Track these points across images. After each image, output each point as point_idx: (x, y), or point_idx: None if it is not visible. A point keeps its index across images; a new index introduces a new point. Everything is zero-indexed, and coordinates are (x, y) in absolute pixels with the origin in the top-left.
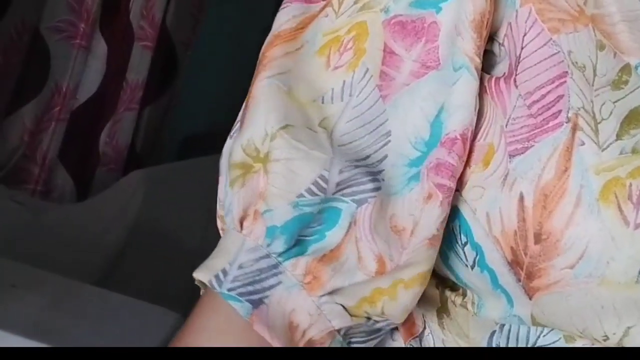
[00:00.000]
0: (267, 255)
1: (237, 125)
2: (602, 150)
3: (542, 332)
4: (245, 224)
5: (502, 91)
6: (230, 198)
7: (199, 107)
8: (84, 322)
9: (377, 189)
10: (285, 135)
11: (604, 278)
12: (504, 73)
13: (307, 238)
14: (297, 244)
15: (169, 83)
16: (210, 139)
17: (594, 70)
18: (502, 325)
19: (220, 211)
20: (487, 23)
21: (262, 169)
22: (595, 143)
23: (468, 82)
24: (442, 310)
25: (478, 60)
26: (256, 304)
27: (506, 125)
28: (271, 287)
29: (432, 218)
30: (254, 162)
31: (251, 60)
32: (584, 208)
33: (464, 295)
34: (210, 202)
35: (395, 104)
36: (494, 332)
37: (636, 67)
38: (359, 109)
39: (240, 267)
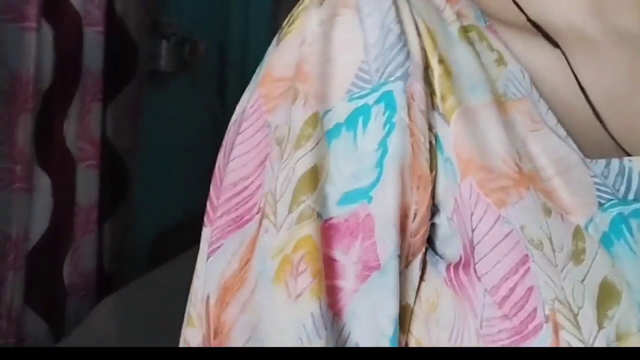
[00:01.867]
0: None
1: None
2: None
3: None
4: None
5: (464, 285)
6: None
7: (159, 205)
8: None
9: None
10: None
11: None
12: (460, 257)
13: None
14: None
15: (123, 193)
16: (178, 231)
17: (552, 245)
18: None
19: None
20: (414, 218)
21: None
22: (581, 341)
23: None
24: None
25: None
26: None
27: (481, 328)
28: None
29: None
30: None
31: (200, 143)
32: None
33: None
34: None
35: (353, 314)
36: None
37: (586, 227)
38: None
39: None
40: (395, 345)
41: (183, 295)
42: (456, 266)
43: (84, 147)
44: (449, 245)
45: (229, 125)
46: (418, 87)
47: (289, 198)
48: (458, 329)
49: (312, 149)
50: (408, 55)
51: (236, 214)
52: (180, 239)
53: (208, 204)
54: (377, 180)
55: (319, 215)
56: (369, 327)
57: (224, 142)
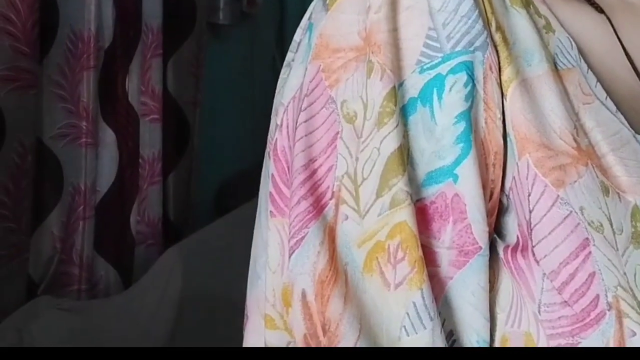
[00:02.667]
0: None
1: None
2: None
3: None
4: None
5: (522, 268)
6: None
7: (222, 156)
8: None
9: None
10: None
11: None
12: (517, 239)
13: None
14: None
15: (186, 145)
16: (241, 181)
17: (612, 227)
18: None
19: None
20: (490, 195)
21: None
22: None
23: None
24: None
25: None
26: None
27: (539, 313)
28: None
29: None
30: None
31: (262, 95)
32: None
33: None
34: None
35: (446, 302)
36: None
37: None
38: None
39: None
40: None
41: (245, 243)
42: (514, 249)
43: (146, 101)
44: (506, 224)
45: (284, 103)
46: (494, 58)
47: (375, 181)
48: (515, 311)
49: (396, 126)
50: (484, 23)
51: (313, 199)
52: (243, 188)
53: (272, 189)
54: (462, 157)
55: (411, 198)
56: (464, 320)
57: (282, 122)
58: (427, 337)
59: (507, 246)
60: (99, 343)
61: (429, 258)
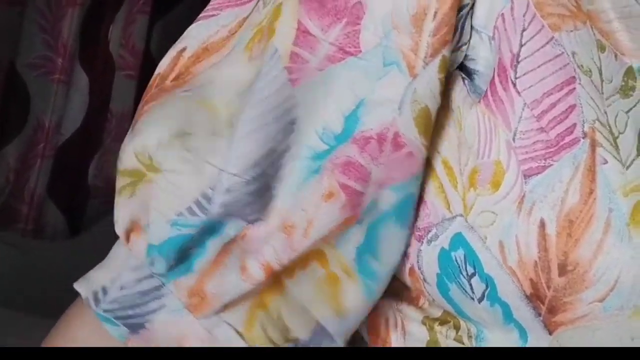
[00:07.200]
0: (150, 276)
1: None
2: (627, 169)
3: None
4: (131, 236)
5: (500, 98)
6: (118, 206)
7: None
8: None
9: (272, 198)
10: (177, 144)
11: (636, 309)
12: (493, 71)
13: (191, 251)
14: (182, 261)
15: None
16: None
17: (601, 76)
18: None
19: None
20: (434, 16)
21: (153, 179)
22: (619, 160)
23: (395, 79)
24: (433, 345)
25: (413, 57)
26: (134, 328)
27: (514, 140)
28: (153, 311)
29: (328, 220)
30: (146, 171)
31: None
32: (613, 234)
33: (457, 328)
34: None
35: (305, 89)
36: None
37: (639, 70)
38: (262, 92)
39: (121, 287)
40: (335, 144)
41: None
42: (492, 82)
43: (125, 56)
44: (482, 60)
45: None
46: None
47: None
48: (485, 142)
49: None
50: None
51: None
52: None
53: None
54: None
55: None
56: (308, 112)
57: None
58: None
59: (490, 80)
60: (37, 283)
61: (310, 44)
